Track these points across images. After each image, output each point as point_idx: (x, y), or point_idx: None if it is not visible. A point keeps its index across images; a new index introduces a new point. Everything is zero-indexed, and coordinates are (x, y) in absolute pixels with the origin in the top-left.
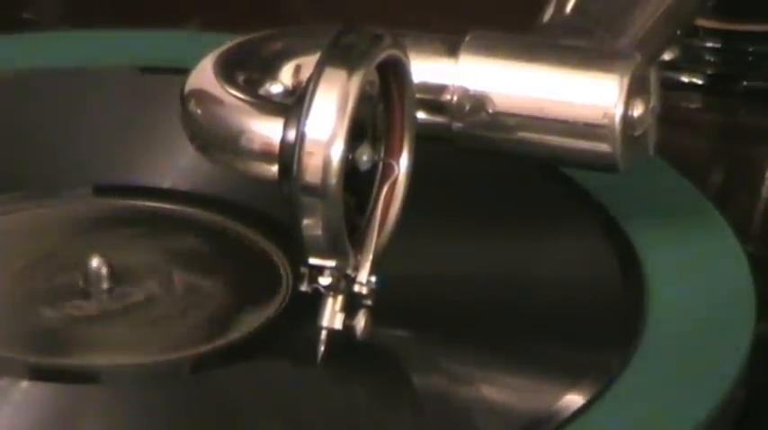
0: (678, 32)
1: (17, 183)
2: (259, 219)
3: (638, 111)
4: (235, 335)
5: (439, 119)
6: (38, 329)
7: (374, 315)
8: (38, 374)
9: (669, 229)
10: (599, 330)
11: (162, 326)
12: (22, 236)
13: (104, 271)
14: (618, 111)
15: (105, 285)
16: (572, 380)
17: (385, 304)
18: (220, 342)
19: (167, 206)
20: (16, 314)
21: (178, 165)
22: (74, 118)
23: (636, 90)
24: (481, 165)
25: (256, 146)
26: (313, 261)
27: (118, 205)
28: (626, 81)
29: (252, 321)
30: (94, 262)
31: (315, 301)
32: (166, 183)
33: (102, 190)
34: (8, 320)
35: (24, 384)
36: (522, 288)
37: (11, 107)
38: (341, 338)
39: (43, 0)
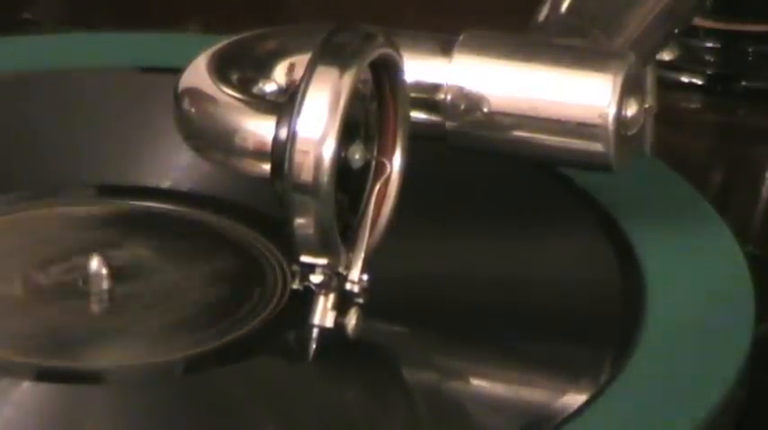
0: (676, 32)
1: (17, 183)
2: (258, 220)
3: (631, 110)
4: (234, 334)
5: (433, 118)
6: (37, 329)
7: (373, 314)
8: (38, 374)
9: (669, 230)
10: (598, 330)
11: (161, 326)
12: (22, 236)
13: (104, 271)
14: (611, 111)
15: (105, 285)
16: (571, 380)
17: (382, 303)
18: (219, 341)
19: (167, 206)
20: (16, 314)
21: (178, 165)
22: (74, 118)
23: (630, 89)
24: (480, 164)
25: (249, 144)
26: (305, 259)
27: (118, 205)
28: (620, 81)
29: (251, 321)
30: (94, 262)
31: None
32: (166, 183)
33: (103, 190)
34: (8, 320)
35: (24, 384)
36: (521, 287)
37: (11, 107)
38: (339, 337)
39: (43, 0)
